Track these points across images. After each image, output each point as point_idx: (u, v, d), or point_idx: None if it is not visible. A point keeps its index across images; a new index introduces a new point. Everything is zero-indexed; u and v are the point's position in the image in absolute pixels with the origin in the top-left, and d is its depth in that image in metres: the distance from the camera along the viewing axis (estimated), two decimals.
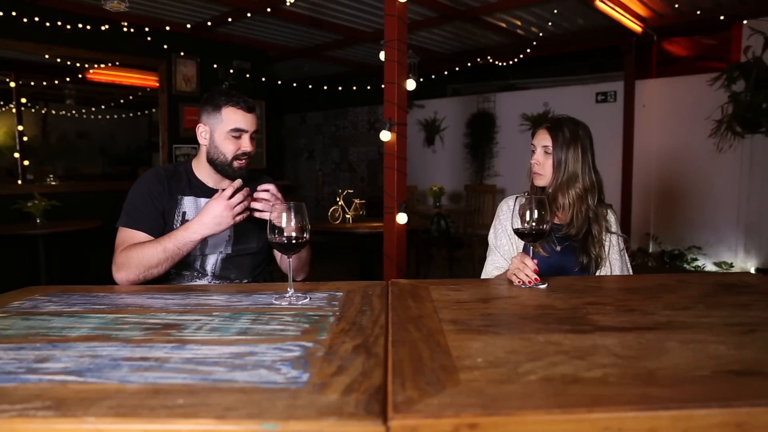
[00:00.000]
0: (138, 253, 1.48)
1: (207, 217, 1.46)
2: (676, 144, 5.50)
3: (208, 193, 1.69)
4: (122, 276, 1.49)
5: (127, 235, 1.57)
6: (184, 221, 1.62)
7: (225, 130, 1.62)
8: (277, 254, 1.71)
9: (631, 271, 1.71)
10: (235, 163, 1.64)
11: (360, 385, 0.69)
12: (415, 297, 1.17)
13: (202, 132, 1.66)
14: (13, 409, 0.63)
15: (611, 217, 1.69)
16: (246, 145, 1.64)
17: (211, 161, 1.66)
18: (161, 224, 1.61)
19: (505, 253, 1.72)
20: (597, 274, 1.64)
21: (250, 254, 1.72)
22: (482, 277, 1.71)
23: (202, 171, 1.71)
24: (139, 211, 1.59)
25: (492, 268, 1.73)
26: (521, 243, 1.68)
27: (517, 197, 1.40)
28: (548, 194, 1.64)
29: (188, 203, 1.66)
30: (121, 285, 1.50)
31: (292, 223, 1.17)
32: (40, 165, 4.82)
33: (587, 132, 1.67)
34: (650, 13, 5.03)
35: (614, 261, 1.66)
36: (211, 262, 1.66)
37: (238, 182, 1.52)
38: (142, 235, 1.57)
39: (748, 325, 0.94)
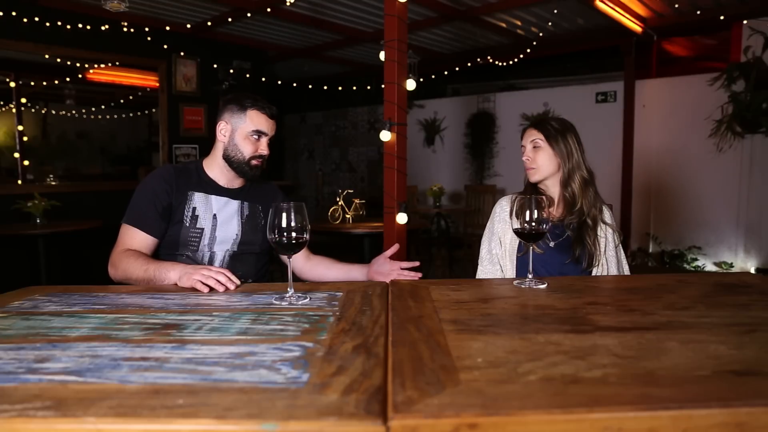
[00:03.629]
0: (127, 262, 1.54)
1: (186, 268, 1.41)
2: (676, 144, 5.50)
3: (220, 191, 1.73)
4: (111, 271, 1.59)
5: (128, 232, 1.63)
6: (194, 216, 1.67)
7: (247, 130, 1.68)
8: (299, 261, 1.79)
9: (626, 265, 1.72)
10: (253, 162, 1.70)
11: (360, 385, 0.69)
12: (415, 297, 1.17)
13: (223, 129, 1.71)
14: (13, 409, 0.63)
15: (606, 212, 1.72)
16: (263, 148, 1.71)
17: (228, 158, 1.71)
18: (161, 225, 1.65)
19: (498, 255, 1.73)
20: (593, 270, 1.64)
21: (254, 253, 1.77)
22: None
23: (215, 170, 1.74)
24: (140, 211, 1.64)
25: (483, 277, 1.74)
26: (513, 245, 1.69)
27: (517, 196, 1.40)
28: (560, 183, 1.68)
29: (198, 199, 1.70)
30: (112, 277, 1.58)
31: (292, 223, 1.17)
32: (40, 165, 4.82)
33: (573, 125, 1.72)
34: (650, 13, 5.03)
35: (610, 258, 1.67)
36: (219, 258, 1.70)
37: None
38: (141, 234, 1.62)
39: (748, 325, 0.94)
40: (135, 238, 1.62)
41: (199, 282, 1.33)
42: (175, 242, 1.66)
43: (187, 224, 1.66)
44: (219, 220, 1.70)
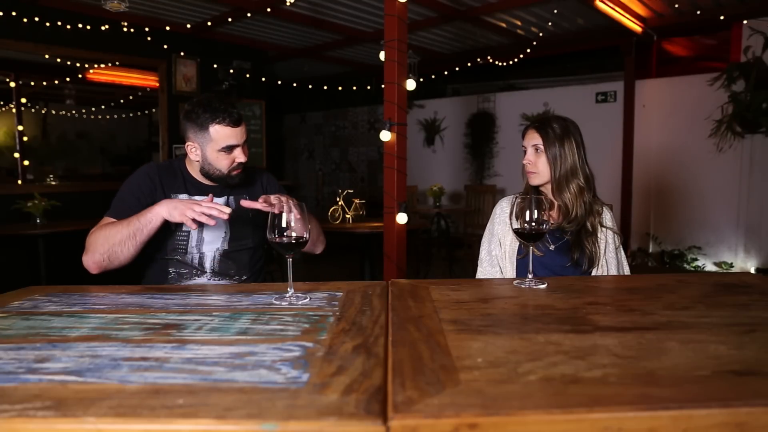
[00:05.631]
0: (104, 235, 1.49)
1: (172, 202, 1.45)
2: (676, 144, 5.51)
3: (204, 190, 1.70)
4: (88, 258, 1.50)
5: (108, 222, 1.58)
6: None
7: (216, 148, 1.60)
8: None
9: (627, 266, 1.71)
10: (233, 173, 1.66)
11: (360, 385, 0.69)
12: (415, 297, 1.17)
13: (193, 149, 1.64)
14: (13, 409, 0.63)
15: (606, 214, 1.70)
16: (240, 156, 1.63)
17: (207, 175, 1.66)
18: None
19: (497, 257, 1.73)
20: (593, 271, 1.64)
21: (247, 249, 1.73)
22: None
23: (197, 172, 1.71)
24: (124, 204, 1.61)
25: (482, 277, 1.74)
26: (513, 247, 1.69)
27: (516, 196, 1.40)
28: (552, 190, 1.66)
29: None
30: (89, 269, 1.51)
31: (292, 223, 1.17)
32: (40, 165, 4.82)
33: (576, 127, 1.68)
34: (650, 13, 5.03)
35: (611, 260, 1.66)
36: (209, 258, 1.67)
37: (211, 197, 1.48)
38: None
39: (748, 325, 0.94)
40: None
41: (191, 219, 1.36)
42: (163, 246, 1.63)
43: (173, 228, 1.62)
44: None
